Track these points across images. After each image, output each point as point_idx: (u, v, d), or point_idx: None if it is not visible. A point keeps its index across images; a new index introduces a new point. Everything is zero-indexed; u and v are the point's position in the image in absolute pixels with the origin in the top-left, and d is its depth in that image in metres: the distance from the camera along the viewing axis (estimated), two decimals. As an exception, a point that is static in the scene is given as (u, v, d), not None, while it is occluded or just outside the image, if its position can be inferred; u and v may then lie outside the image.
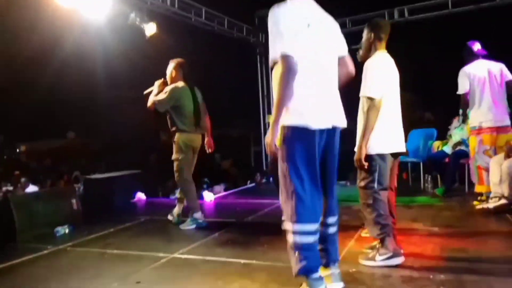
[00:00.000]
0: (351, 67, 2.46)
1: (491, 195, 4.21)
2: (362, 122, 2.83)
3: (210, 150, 4.57)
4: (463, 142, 5.39)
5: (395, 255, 2.76)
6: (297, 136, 2.11)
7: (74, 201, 4.96)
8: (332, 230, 2.33)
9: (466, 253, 2.98)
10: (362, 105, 2.88)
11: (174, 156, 4.32)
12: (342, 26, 7.68)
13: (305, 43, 2.13)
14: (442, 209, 4.46)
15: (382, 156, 2.83)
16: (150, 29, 5.95)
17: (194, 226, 4.24)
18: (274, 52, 2.09)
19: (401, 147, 2.96)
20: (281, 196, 2.22)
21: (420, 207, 4.70)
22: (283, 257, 2.64)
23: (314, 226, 2.14)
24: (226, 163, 11.20)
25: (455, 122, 5.76)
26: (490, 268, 2.65)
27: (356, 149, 2.85)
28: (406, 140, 6.35)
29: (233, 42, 8.06)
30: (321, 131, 2.16)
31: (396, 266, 2.72)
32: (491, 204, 4.13)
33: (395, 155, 2.97)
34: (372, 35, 2.93)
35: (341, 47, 2.40)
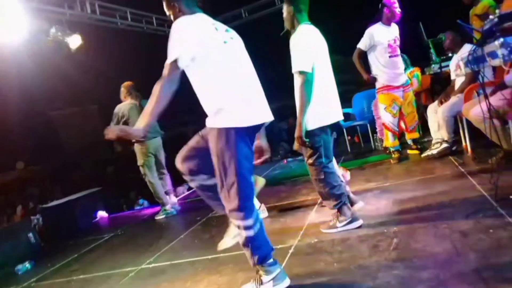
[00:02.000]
0: None
1: (433, 141, 4.46)
2: (297, 97, 2.84)
3: None
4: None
5: (353, 219, 2.88)
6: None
7: (31, 234, 4.77)
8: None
9: (416, 202, 3.14)
10: (295, 80, 2.91)
11: (138, 163, 5.09)
12: (238, 17, 7.85)
13: (224, 54, 2.13)
14: (393, 164, 4.67)
15: (323, 129, 2.87)
16: (75, 41, 5.72)
17: (163, 216, 5.07)
18: (178, 52, 2.04)
19: (339, 116, 3.03)
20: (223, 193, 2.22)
21: (373, 166, 4.90)
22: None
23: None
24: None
25: None
26: (437, 212, 2.82)
27: (296, 132, 2.82)
28: (351, 105, 6.59)
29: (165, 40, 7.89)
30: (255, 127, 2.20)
31: (356, 228, 2.85)
32: (435, 150, 4.37)
33: (335, 125, 3.03)
34: (292, 8, 2.93)
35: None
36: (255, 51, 2.63)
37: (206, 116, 2.24)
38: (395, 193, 3.49)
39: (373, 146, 6.06)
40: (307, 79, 2.76)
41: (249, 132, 2.18)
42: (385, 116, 4.64)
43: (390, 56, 4.48)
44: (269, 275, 2.21)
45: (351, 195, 3.22)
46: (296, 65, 2.79)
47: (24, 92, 8.67)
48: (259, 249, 2.20)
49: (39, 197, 10.90)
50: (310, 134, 2.84)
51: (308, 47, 2.83)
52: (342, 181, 3.07)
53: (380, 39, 4.46)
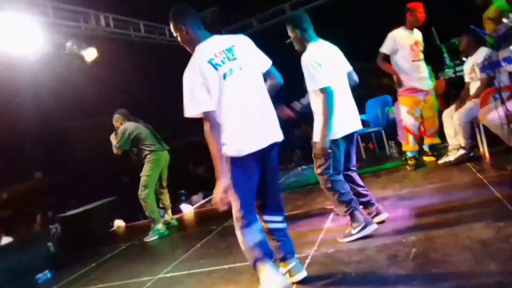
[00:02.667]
0: (277, 78, 2.52)
1: (449, 148, 4.40)
2: (319, 113, 2.87)
3: None
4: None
5: (367, 224, 2.88)
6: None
7: (50, 244, 4.85)
8: (281, 225, 2.48)
9: (434, 210, 3.10)
10: (312, 98, 2.94)
11: (144, 173, 4.96)
12: (249, 26, 7.89)
13: (223, 91, 2.23)
14: (409, 170, 4.62)
15: (335, 142, 2.89)
16: (90, 54, 5.84)
17: (157, 237, 4.77)
18: (192, 111, 2.22)
19: (354, 126, 3.04)
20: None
21: (388, 173, 4.86)
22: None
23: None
24: (200, 170, 11.16)
25: None
26: (456, 218, 2.78)
27: (316, 139, 2.88)
28: (364, 112, 6.53)
29: (179, 51, 8.00)
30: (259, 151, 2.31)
31: (372, 236, 2.83)
32: (452, 157, 4.31)
33: (349, 136, 3.04)
34: (297, 31, 2.98)
35: (261, 62, 2.45)
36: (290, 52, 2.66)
37: None
38: (412, 201, 3.45)
39: (388, 153, 6.01)
40: (328, 92, 2.79)
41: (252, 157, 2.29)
42: (407, 118, 4.56)
43: (413, 60, 4.44)
44: (267, 277, 2.29)
45: (377, 205, 3.17)
46: (314, 84, 2.83)
47: (41, 104, 8.87)
48: (258, 252, 2.31)
49: (57, 206, 11.07)
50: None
51: (320, 62, 2.85)
52: (365, 190, 3.09)
53: (403, 43, 4.42)
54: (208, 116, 2.20)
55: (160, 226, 4.84)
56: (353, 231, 2.89)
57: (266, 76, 2.47)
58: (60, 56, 5.66)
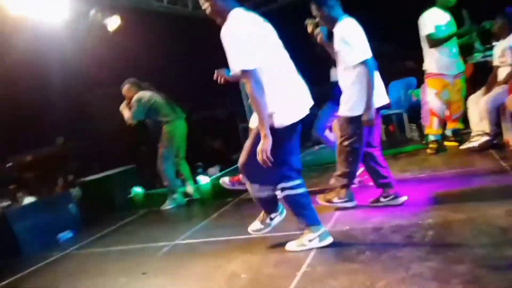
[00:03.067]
0: None
1: (473, 134, 4.32)
2: (350, 83, 2.94)
3: None
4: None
5: (350, 200, 3.16)
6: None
7: (71, 205, 5.01)
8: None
9: (452, 194, 3.09)
10: (343, 73, 2.98)
11: (162, 144, 4.87)
12: (272, 1, 7.62)
13: (266, 51, 2.30)
14: (429, 155, 4.56)
15: (360, 117, 2.93)
16: (114, 22, 5.84)
17: (173, 205, 4.82)
18: (236, 67, 2.25)
19: (383, 100, 3.06)
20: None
21: (408, 156, 4.81)
22: (280, 227, 2.77)
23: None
24: (217, 143, 11.26)
25: None
26: (475, 204, 2.76)
27: (344, 113, 3.01)
28: (387, 92, 6.39)
29: (201, 22, 7.93)
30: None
31: (388, 216, 2.86)
32: (475, 142, 4.23)
33: (378, 110, 3.04)
34: (323, 9, 2.94)
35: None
36: (289, 37, 2.67)
37: (235, 99, 2.55)
38: (431, 185, 3.43)
39: (408, 136, 5.93)
40: (370, 64, 2.83)
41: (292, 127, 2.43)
42: (434, 101, 4.44)
43: None
44: (315, 233, 2.50)
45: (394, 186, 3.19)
46: (355, 57, 2.84)
47: (65, 71, 9.00)
48: (308, 212, 2.53)
49: (77, 171, 11.39)
50: (354, 119, 2.95)
51: (359, 37, 2.88)
52: (386, 171, 3.14)
53: (439, 23, 4.26)
54: (253, 74, 2.23)
55: (176, 195, 4.87)
56: (336, 200, 3.19)
57: None
58: (84, 24, 5.68)
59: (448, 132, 4.77)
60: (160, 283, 2.68)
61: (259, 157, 2.28)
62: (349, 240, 2.62)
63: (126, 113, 4.76)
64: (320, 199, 3.23)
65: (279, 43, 2.45)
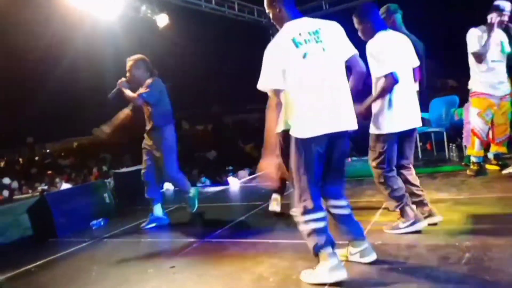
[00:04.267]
0: (360, 66, 2.44)
1: None
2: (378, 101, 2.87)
3: None
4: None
5: (416, 221, 2.85)
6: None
7: (106, 195, 5.18)
8: (346, 211, 2.46)
9: (492, 218, 2.98)
10: (375, 86, 2.91)
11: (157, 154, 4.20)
12: (319, 8, 7.65)
13: (301, 70, 2.26)
14: (468, 176, 4.41)
15: (391, 137, 2.87)
16: (162, 20, 6.03)
17: (152, 225, 4.15)
18: (263, 85, 2.30)
19: (414, 123, 2.97)
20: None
21: (445, 176, 4.66)
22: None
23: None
24: (248, 147, 11.35)
25: None
26: (517, 231, 2.65)
27: (373, 131, 2.93)
28: (427, 110, 6.25)
29: (245, 25, 8.05)
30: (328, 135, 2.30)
31: (423, 235, 2.79)
32: (518, 168, 4.06)
33: (407, 132, 2.97)
34: (363, 23, 2.93)
35: (345, 50, 2.39)
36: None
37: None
38: (470, 207, 3.32)
39: (447, 156, 5.75)
40: (391, 78, 2.75)
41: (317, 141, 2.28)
42: (476, 121, 4.28)
43: (492, 61, 4.13)
44: (326, 264, 2.27)
45: (430, 206, 3.06)
46: (379, 70, 2.80)
47: (109, 64, 9.35)
48: (320, 237, 2.29)
49: (111, 163, 11.76)
50: (379, 138, 2.89)
51: (386, 49, 2.82)
52: (419, 190, 3.01)
53: (482, 41, 4.09)
54: (277, 93, 2.27)
55: (156, 212, 4.24)
56: (401, 225, 2.88)
57: (351, 65, 2.41)
58: (134, 19, 5.90)
59: (490, 155, 4.58)
60: (188, 279, 2.72)
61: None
62: (382, 255, 2.56)
63: (129, 92, 4.10)
64: (386, 229, 2.99)
65: (330, 53, 2.33)
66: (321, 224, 2.31)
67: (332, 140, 2.31)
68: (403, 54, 2.94)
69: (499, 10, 4.04)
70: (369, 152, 3.01)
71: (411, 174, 3.07)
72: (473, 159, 4.43)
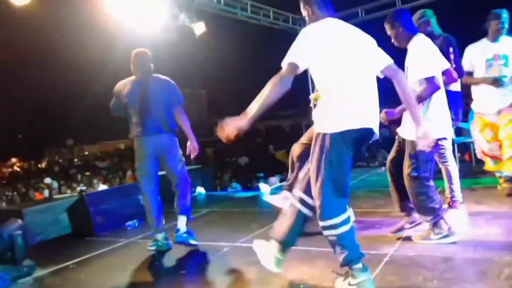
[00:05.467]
0: (400, 75, 2.34)
1: None
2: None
3: (192, 155, 3.70)
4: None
5: (450, 234, 2.79)
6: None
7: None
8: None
9: (536, 234, 2.84)
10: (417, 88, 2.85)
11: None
12: (355, 16, 7.55)
13: (334, 61, 2.20)
14: (507, 189, 4.22)
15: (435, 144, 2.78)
16: (200, 28, 6.17)
17: (154, 247, 3.57)
18: (285, 59, 2.20)
19: (447, 131, 2.94)
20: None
21: (485, 188, 4.49)
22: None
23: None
24: (280, 154, 11.35)
25: None
26: None
27: (412, 137, 2.74)
28: (467, 120, 6.05)
29: (279, 33, 8.10)
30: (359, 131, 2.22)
31: (461, 248, 2.70)
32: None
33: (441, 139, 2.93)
34: (397, 27, 2.90)
35: (378, 61, 2.35)
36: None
37: (301, 110, 2.39)
38: (510, 221, 3.18)
39: (485, 168, 5.51)
40: (432, 83, 2.72)
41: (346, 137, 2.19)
42: (478, 139, 4.08)
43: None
44: (355, 279, 2.19)
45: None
46: (421, 72, 2.75)
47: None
48: (346, 250, 2.20)
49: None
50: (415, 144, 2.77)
51: (429, 53, 2.81)
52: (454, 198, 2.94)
53: (477, 58, 3.89)
54: (291, 68, 2.16)
55: (159, 236, 3.62)
56: (433, 237, 2.82)
57: (389, 73, 2.33)
58: (173, 27, 6.06)
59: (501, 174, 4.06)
60: (219, 281, 2.75)
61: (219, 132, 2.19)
62: (415, 266, 2.51)
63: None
64: (416, 239, 2.92)
65: (363, 52, 2.30)
66: (346, 229, 2.20)
67: (359, 140, 2.26)
68: (437, 59, 2.91)
69: (498, 18, 3.75)
70: (406, 161, 2.91)
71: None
72: (497, 174, 4.13)
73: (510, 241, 2.78)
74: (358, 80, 2.26)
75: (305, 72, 2.31)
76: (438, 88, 2.74)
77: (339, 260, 2.24)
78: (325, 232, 2.25)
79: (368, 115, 2.26)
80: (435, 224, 2.81)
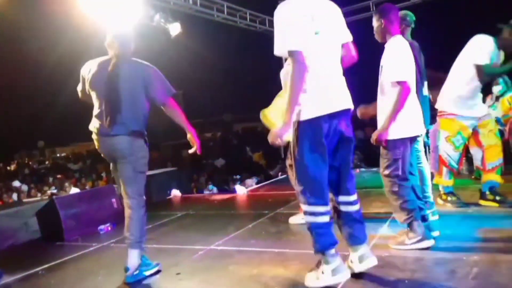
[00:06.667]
0: (353, 52, 2.52)
1: None
2: (385, 106, 2.82)
3: (195, 149, 3.14)
4: (497, 121, 5.17)
5: (424, 238, 2.78)
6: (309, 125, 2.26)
7: (114, 200, 5.21)
8: (354, 208, 2.43)
9: (501, 233, 2.94)
10: (381, 89, 2.89)
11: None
12: (366, 9, 7.65)
13: (310, 38, 2.22)
14: (478, 191, 4.36)
15: (404, 141, 2.84)
16: (175, 29, 6.12)
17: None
18: (282, 47, 2.22)
19: (420, 129, 2.98)
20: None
21: (455, 189, 4.61)
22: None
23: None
24: (256, 156, 11.37)
25: (488, 100, 5.56)
26: (527, 247, 2.61)
27: (378, 130, 2.83)
28: (435, 121, 6.19)
29: (256, 35, 8.13)
30: (330, 116, 2.26)
31: (431, 248, 2.75)
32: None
33: (414, 139, 2.98)
34: (383, 21, 2.92)
35: (344, 34, 2.46)
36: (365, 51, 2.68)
37: None
38: (478, 221, 3.29)
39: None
40: (407, 87, 2.74)
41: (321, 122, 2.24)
42: (444, 146, 3.84)
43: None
44: (329, 265, 2.29)
45: (430, 221, 3.06)
46: (393, 75, 2.78)
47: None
48: (322, 237, 2.29)
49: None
50: (391, 145, 2.83)
51: (403, 57, 2.84)
52: (423, 204, 2.97)
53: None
54: (298, 56, 2.17)
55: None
56: (408, 241, 2.82)
57: (345, 49, 2.46)
58: (149, 27, 6.00)
59: (485, 188, 3.84)
60: (193, 286, 2.72)
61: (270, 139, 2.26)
62: (388, 267, 2.55)
63: None
64: (391, 244, 2.90)
65: (335, 35, 2.36)
66: (325, 219, 2.30)
67: (337, 123, 2.31)
68: (411, 60, 2.93)
69: None
70: (380, 160, 2.94)
71: (419, 186, 3.05)
72: (441, 189, 4.00)
73: (477, 240, 2.87)
74: (326, 63, 2.30)
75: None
76: (409, 92, 2.77)
77: (314, 247, 2.33)
78: (305, 218, 2.35)
79: (337, 98, 2.32)
80: (409, 227, 2.82)
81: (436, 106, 3.91)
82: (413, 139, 2.94)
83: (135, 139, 2.87)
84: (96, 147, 3.01)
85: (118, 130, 2.81)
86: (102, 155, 3.03)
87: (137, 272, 2.88)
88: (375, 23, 2.99)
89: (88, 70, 2.92)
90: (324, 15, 2.31)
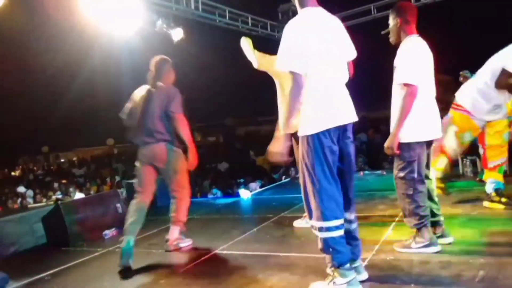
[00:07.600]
0: (351, 71, 2.57)
1: None
2: (396, 109, 2.78)
3: (189, 164, 3.82)
4: None
5: (431, 244, 2.75)
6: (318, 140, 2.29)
7: (118, 205, 5.22)
8: (353, 226, 2.46)
9: (507, 236, 2.92)
10: (395, 92, 2.86)
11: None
12: (367, 13, 7.66)
13: (316, 57, 2.27)
14: (483, 193, 4.34)
15: (420, 144, 2.80)
16: (177, 34, 6.15)
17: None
18: (285, 66, 2.27)
19: (438, 133, 2.92)
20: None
21: (460, 192, 4.60)
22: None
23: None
24: (260, 159, 11.37)
25: None
26: (533, 250, 2.60)
27: (388, 139, 2.80)
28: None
29: (258, 40, 8.15)
30: (337, 128, 2.30)
31: (437, 252, 2.73)
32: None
33: (430, 143, 2.94)
34: (399, 20, 2.86)
35: (351, 51, 2.50)
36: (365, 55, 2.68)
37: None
38: (484, 224, 3.27)
39: (461, 171, 5.68)
40: (412, 91, 2.70)
41: (329, 136, 2.27)
42: (450, 139, 3.87)
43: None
44: (344, 278, 2.26)
45: (444, 226, 3.02)
46: (401, 77, 2.75)
47: (117, 76, 9.54)
48: (339, 254, 2.26)
49: (123, 173, 11.90)
50: (406, 147, 2.78)
51: (416, 59, 2.78)
52: (438, 209, 2.95)
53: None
54: (298, 78, 2.24)
55: (123, 243, 3.33)
56: (414, 245, 2.79)
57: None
58: (151, 33, 6.03)
59: (489, 189, 3.77)
60: (198, 290, 2.73)
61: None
62: (393, 270, 2.55)
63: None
64: (397, 247, 2.88)
65: (342, 48, 2.41)
66: (341, 233, 2.28)
67: (342, 136, 2.34)
68: (428, 63, 2.89)
69: None
70: (394, 161, 2.89)
71: (434, 189, 3.01)
72: (436, 173, 3.77)
73: (483, 243, 2.86)
74: (334, 78, 2.34)
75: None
76: (415, 96, 2.70)
77: (331, 263, 2.29)
78: (318, 234, 2.32)
79: (344, 111, 2.35)
80: (418, 231, 2.79)
81: (455, 99, 3.89)
82: (430, 143, 2.90)
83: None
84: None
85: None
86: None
87: None
88: (391, 21, 2.93)
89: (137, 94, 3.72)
90: (332, 32, 2.36)
